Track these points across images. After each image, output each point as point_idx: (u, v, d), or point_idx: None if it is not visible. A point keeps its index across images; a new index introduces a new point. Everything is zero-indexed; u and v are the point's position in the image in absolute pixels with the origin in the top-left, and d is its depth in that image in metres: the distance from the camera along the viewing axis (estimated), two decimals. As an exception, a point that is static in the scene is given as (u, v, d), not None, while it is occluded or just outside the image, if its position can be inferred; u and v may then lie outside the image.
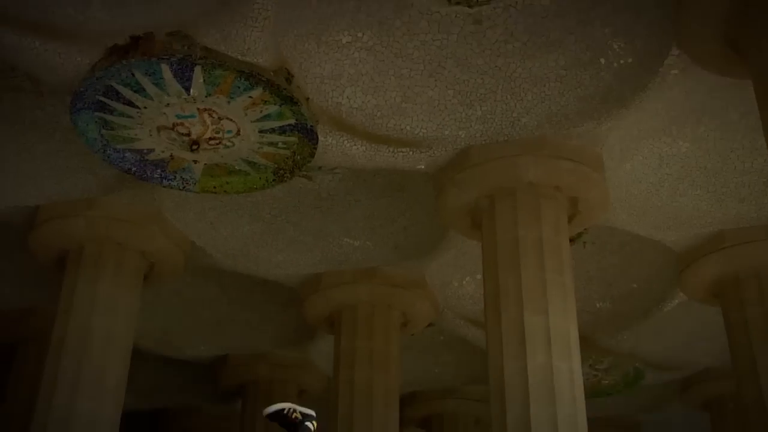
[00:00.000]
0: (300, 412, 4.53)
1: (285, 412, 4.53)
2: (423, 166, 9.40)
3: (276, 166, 9.04)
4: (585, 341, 10.76)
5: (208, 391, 15.52)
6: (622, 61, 8.00)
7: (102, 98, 8.05)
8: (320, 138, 8.60)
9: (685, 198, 9.92)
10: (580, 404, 8.48)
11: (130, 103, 8.16)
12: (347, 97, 8.36)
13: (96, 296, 9.78)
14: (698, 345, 13.34)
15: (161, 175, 9.19)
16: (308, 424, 4.52)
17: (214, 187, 9.39)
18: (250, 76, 7.79)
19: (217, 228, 10.58)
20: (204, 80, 7.86)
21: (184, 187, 9.40)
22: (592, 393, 14.19)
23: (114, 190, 9.89)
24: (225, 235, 10.72)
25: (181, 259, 10.72)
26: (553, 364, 8.38)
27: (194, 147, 8.66)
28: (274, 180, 9.30)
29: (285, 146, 8.73)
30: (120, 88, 7.96)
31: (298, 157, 8.87)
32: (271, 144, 8.73)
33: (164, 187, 9.47)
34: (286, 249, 11.01)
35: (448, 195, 9.40)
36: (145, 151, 8.85)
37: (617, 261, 11.38)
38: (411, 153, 9.13)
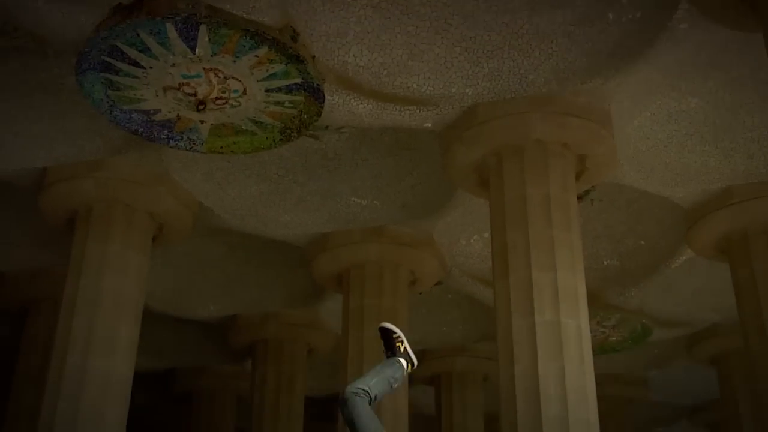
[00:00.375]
0: (405, 348, 4.56)
1: (395, 335, 4.58)
2: (430, 125, 9.36)
3: (283, 125, 9.02)
4: (592, 298, 10.79)
5: (218, 351, 15.68)
6: (630, 16, 7.91)
7: (107, 58, 8.01)
8: (327, 97, 8.56)
9: (693, 154, 9.88)
10: (588, 360, 8.54)
11: (136, 64, 8.13)
12: (353, 55, 8.30)
13: (106, 257, 9.84)
14: (706, 301, 13.38)
15: (168, 135, 9.18)
16: (402, 361, 4.54)
17: (221, 148, 9.39)
18: (256, 34, 7.74)
19: (224, 188, 10.59)
20: (209, 39, 7.81)
21: (191, 148, 9.39)
22: (599, 349, 14.29)
23: (121, 151, 9.90)
24: (232, 195, 10.73)
25: (189, 219, 10.76)
26: (561, 321, 8.42)
27: (200, 107, 8.63)
28: (280, 140, 9.28)
29: (291, 105, 8.70)
30: (125, 48, 7.92)
31: (305, 117, 8.84)
32: (277, 103, 8.71)
33: (171, 147, 9.46)
34: (294, 209, 11.03)
35: (455, 153, 9.38)
36: (151, 111, 8.83)
37: (625, 218, 11.37)
38: (418, 111, 9.10)
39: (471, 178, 9.62)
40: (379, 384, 4.36)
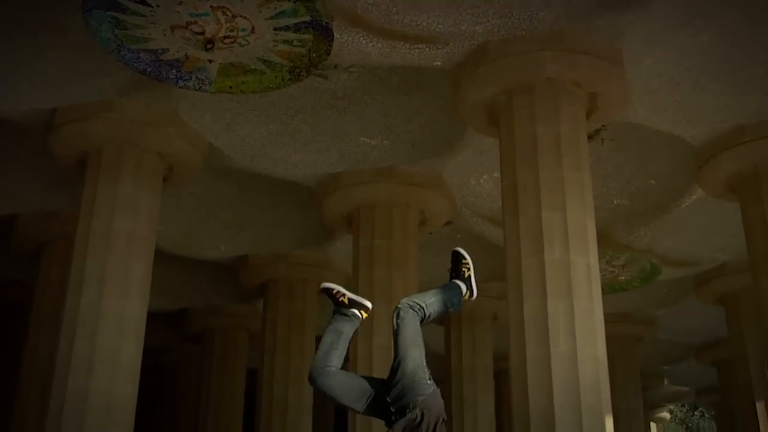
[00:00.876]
0: (349, 298, 4.58)
1: (333, 292, 4.60)
2: (440, 63, 9.27)
3: (291, 64, 8.96)
4: (602, 238, 10.81)
5: (230, 291, 15.84)
6: (644, -50, 7.76)
7: (114, -3, 7.94)
8: (336, 35, 8.48)
9: (706, 92, 9.77)
10: (597, 299, 8.59)
11: (143, 2, 8.03)
12: (362, -8, 8.19)
13: (117, 198, 9.88)
14: (715, 240, 13.40)
15: (176, 75, 9.13)
16: (463, 287, 4.59)
17: (230, 87, 9.34)
18: (263, -29, 7.64)
19: (233, 129, 10.57)
20: (216, -24, 7.72)
21: (199, 88, 9.35)
22: (608, 289, 14.39)
23: (130, 92, 9.86)
24: (242, 135, 10.72)
25: (198, 160, 10.77)
26: (571, 259, 8.46)
27: (209, 46, 8.57)
28: (289, 79, 9.23)
29: (300, 44, 8.62)
30: (132, -14, 7.84)
31: (314, 55, 8.77)
32: (286, 42, 8.63)
33: (180, 87, 9.42)
34: (303, 149, 11.02)
35: (465, 92, 9.31)
36: (159, 51, 8.77)
37: (635, 157, 11.32)
38: (427, 49, 9.00)
39: (481, 117, 9.57)
40: (436, 304, 4.42)
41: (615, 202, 12.25)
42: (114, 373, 9.15)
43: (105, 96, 9.92)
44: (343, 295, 4.55)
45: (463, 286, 4.61)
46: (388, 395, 4.21)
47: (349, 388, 4.32)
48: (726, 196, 11.21)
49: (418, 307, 4.34)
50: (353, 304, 4.52)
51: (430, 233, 12.53)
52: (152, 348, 12.74)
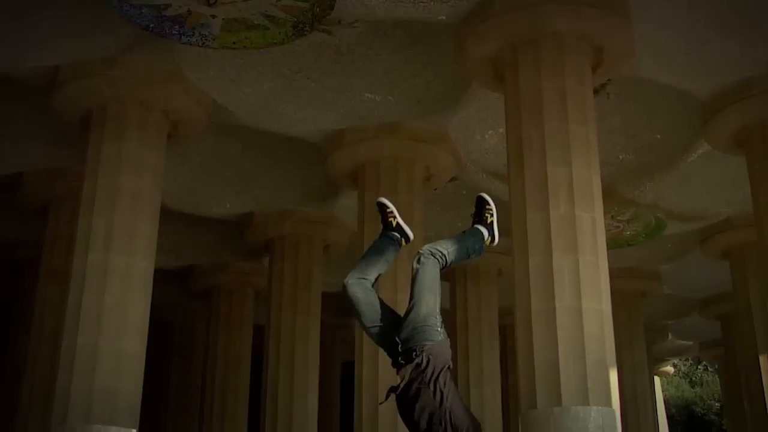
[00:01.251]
0: (397, 222, 4.65)
1: (387, 209, 4.68)
2: (444, 17, 9.19)
3: (295, 19, 8.89)
4: (607, 193, 10.80)
5: (236, 248, 15.90)
6: None
7: (115, -48, 7.87)
8: (339, -11, 8.40)
9: (713, 44, 9.67)
10: (602, 253, 8.62)
11: (144, -43, 7.98)
12: (366, -55, 8.11)
13: (122, 156, 9.89)
14: (720, 194, 13.39)
15: (180, 31, 9.07)
16: (485, 233, 4.64)
17: (234, 43, 9.28)
18: (266, -76, 7.55)
19: (237, 85, 10.52)
20: (218, -70, 7.63)
21: (203, 44, 9.29)
22: (613, 244, 14.40)
23: (133, 48, 9.81)
24: (246, 92, 10.67)
25: (203, 117, 10.75)
26: (576, 214, 8.47)
27: (212, 1, 8.50)
28: (293, 34, 9.16)
29: (303, -1, 8.55)
30: (133, -59, 7.76)
31: (317, 10, 8.69)
32: (289, -3, 8.55)
33: (183, 44, 9.37)
34: (308, 105, 10.98)
35: (469, 46, 9.24)
36: (162, 6, 8.70)
37: (641, 112, 11.26)
38: (432, 4, 8.91)
39: (486, 72, 9.51)
40: (457, 251, 4.47)
41: (620, 157, 12.22)
42: (122, 329, 9.25)
43: (108, 53, 9.87)
44: (394, 217, 4.64)
45: (486, 232, 4.64)
46: (398, 335, 4.26)
47: (371, 308, 4.39)
48: (732, 150, 11.17)
49: (440, 254, 4.37)
50: (399, 229, 4.60)
51: (435, 189, 12.54)
52: (159, 305, 12.83)
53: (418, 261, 4.36)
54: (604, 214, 8.99)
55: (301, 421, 13.36)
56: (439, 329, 4.25)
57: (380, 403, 4.37)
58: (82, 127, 10.48)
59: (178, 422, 18.82)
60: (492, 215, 4.68)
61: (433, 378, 4.10)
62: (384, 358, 9.95)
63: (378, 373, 10.31)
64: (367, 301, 4.42)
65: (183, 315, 19.49)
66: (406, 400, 4.14)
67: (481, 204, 4.74)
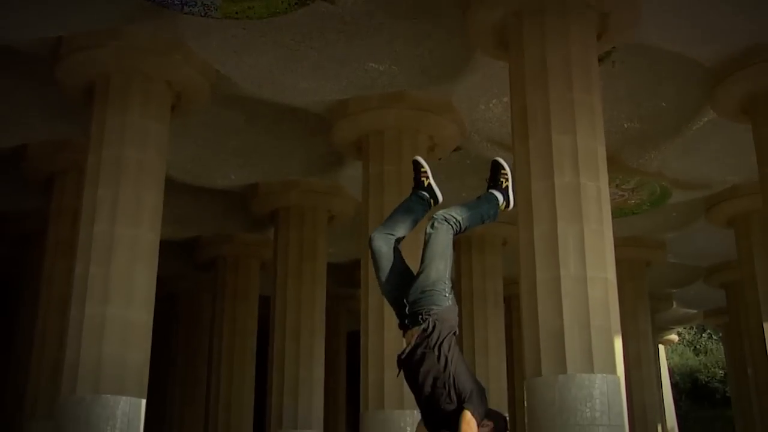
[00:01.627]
0: (429, 183, 4.68)
1: (422, 168, 4.72)
2: (448, -15, 9.13)
3: (298, -11, 8.83)
4: (612, 161, 10.79)
5: (241, 219, 15.94)
6: None
7: None
8: (342, -42, 8.34)
9: (720, 11, 9.57)
10: (607, 222, 8.62)
11: (145, -74, 7.91)
12: None
13: (125, 127, 9.88)
14: (726, 162, 13.35)
15: (182, 1, 9.02)
16: (500, 197, 4.67)
17: (236, 13, 9.22)
18: None
19: (240, 56, 10.48)
20: None
21: (205, 14, 9.24)
22: (618, 212, 14.42)
23: (135, 19, 9.75)
24: (249, 63, 10.63)
25: (206, 88, 10.72)
26: (581, 183, 8.46)
27: (214, -30, 8.45)
28: (296, 4, 9.10)
29: (306, -33, 8.49)
30: None
31: (320, -21, 8.64)
32: (291, -35, 8.49)
33: (186, 14, 9.31)
34: (311, 75, 10.94)
35: (474, 14, 9.18)
36: (163, -24, 8.65)
37: (646, 79, 11.19)
38: (436, -29, 8.86)
39: (490, 40, 9.45)
40: (472, 217, 4.50)
41: (625, 125, 12.18)
42: (129, 299, 9.30)
43: (110, 24, 9.82)
44: (427, 177, 4.66)
45: (500, 197, 4.66)
46: (407, 296, 4.29)
47: (389, 263, 4.44)
48: (738, 117, 11.12)
49: (454, 220, 4.39)
50: (430, 190, 4.64)
51: (440, 159, 12.51)
52: (165, 277, 12.90)
53: (432, 226, 4.38)
54: (609, 183, 8.98)
55: (308, 391, 13.47)
56: (447, 295, 4.27)
57: (397, 376, 4.39)
58: (86, 99, 10.47)
59: (185, 392, 18.98)
60: (507, 179, 4.69)
61: (438, 343, 4.13)
62: (390, 329, 10.00)
63: (384, 342, 10.37)
64: (388, 257, 4.45)
65: (189, 286, 19.59)
66: (411, 364, 4.19)
67: (496, 168, 4.74)
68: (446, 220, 4.39)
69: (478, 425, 4.13)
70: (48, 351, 11.87)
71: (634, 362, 16.37)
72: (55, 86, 10.63)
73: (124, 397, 8.95)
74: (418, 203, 4.63)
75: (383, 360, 10.30)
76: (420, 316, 4.22)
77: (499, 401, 14.92)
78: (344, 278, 18.54)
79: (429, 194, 4.66)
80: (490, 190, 4.70)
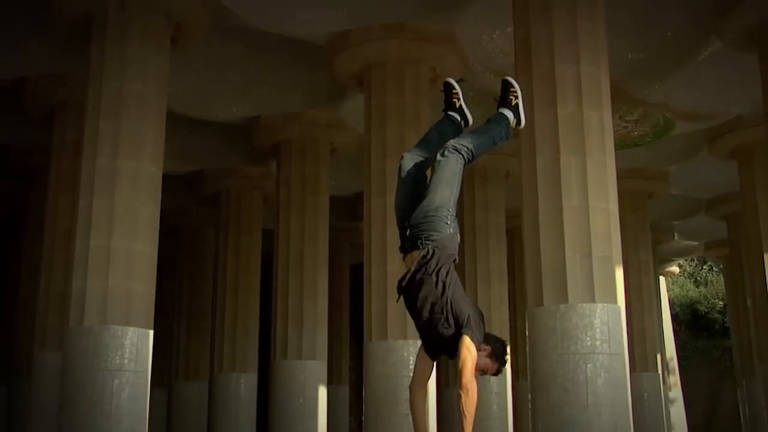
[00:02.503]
0: (517, 104, 4.66)
1: (453, 90, 4.72)
2: None
3: None
4: (616, 93, 10.70)
5: (243, 153, 15.91)
6: None
7: None
8: None
9: (727, -63, 9.43)
10: (610, 153, 8.62)
11: None
12: None
13: (125, 60, 9.78)
14: (731, 93, 13.25)
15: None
16: (511, 116, 4.66)
17: (235, -59, 9.07)
18: None
19: (240, -14, 10.34)
20: None
21: (204, -57, 9.09)
22: (621, 144, 14.39)
23: (133, -52, 9.61)
24: (249, -8, 10.49)
25: (205, 19, 10.59)
26: (584, 113, 8.43)
27: None
28: (296, -68, 8.94)
29: None
30: None
31: None
32: None
33: (183, -57, 9.16)
34: (312, 5, 10.77)
35: (477, -58, 9.03)
36: None
37: (651, 8, 11.04)
38: None
39: (494, -31, 9.31)
40: (484, 143, 4.52)
41: (630, 55, 12.05)
42: (133, 232, 9.36)
43: (107, -47, 9.67)
44: (459, 98, 4.67)
45: (511, 115, 4.64)
46: (409, 220, 4.33)
47: (407, 185, 4.50)
48: (744, 47, 11.00)
49: (465, 149, 4.40)
50: (461, 112, 4.64)
51: (442, 91, 12.42)
52: (168, 210, 12.94)
53: (442, 154, 4.39)
54: (613, 115, 8.94)
55: (312, 323, 13.64)
56: (448, 222, 4.30)
57: (397, 301, 4.45)
58: (84, 31, 10.35)
59: (191, 324, 19.22)
60: (517, 97, 4.68)
61: (436, 269, 4.18)
62: (392, 261, 10.09)
63: (386, 274, 10.46)
64: (409, 174, 4.51)
65: (192, 220, 19.68)
66: (410, 290, 4.24)
67: (506, 87, 4.72)
68: (457, 150, 4.40)
69: (477, 350, 4.20)
70: (54, 283, 12.00)
71: (635, 293, 16.53)
72: (54, 18, 10.51)
73: (131, 328, 9.08)
74: (450, 125, 4.64)
75: (386, 291, 10.40)
76: (419, 241, 4.26)
77: (501, 331, 15.12)
78: (347, 211, 18.60)
79: (460, 116, 4.65)
80: (500, 110, 4.68)
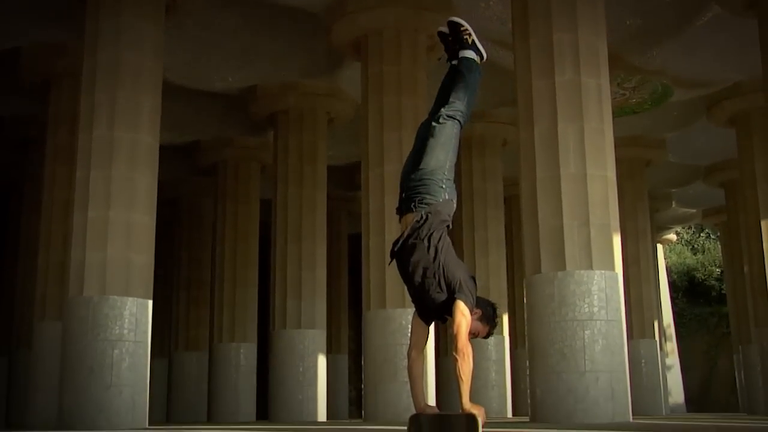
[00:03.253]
0: (473, 40, 4.60)
1: (461, 27, 4.63)
2: None
3: None
4: (614, 60, 10.67)
5: (241, 123, 15.86)
6: None
7: None
8: None
9: None
10: (608, 120, 8.61)
11: None
12: None
13: (120, 30, 9.72)
14: (729, 59, 13.19)
15: None
16: (475, 56, 4.57)
17: None
18: None
19: (235, -46, 10.25)
20: None
21: None
22: (619, 112, 14.35)
23: None
24: (244, -39, 10.40)
25: (201, -13, 10.52)
26: (582, 81, 8.41)
27: None
28: None
29: None
30: None
31: None
32: None
33: None
34: (308, -26, 10.72)
35: None
36: None
37: (650, -26, 10.98)
38: None
39: (491, -65, 9.23)
40: (470, 98, 4.50)
41: (628, 21, 11.98)
42: (131, 203, 9.36)
43: None
44: (471, 34, 4.59)
45: (473, 54, 4.60)
46: (407, 182, 4.33)
47: (419, 143, 4.48)
48: (743, 13, 10.93)
49: (460, 113, 4.39)
50: (474, 47, 4.57)
51: (439, 59, 12.28)
52: (167, 181, 12.96)
53: (437, 121, 4.37)
54: (610, 82, 8.92)
55: (311, 291, 13.68)
56: (443, 186, 4.30)
57: (389, 264, 4.46)
58: (79, 1, 10.27)
59: (190, 295, 19.28)
60: (470, 34, 4.62)
61: (428, 234, 4.18)
62: (390, 230, 10.12)
63: (385, 243, 10.48)
64: (419, 138, 4.50)
65: (190, 191, 19.66)
66: (403, 255, 4.25)
67: (456, 28, 4.66)
68: (452, 117, 4.39)
69: (470, 313, 4.22)
70: (53, 255, 12.02)
71: (633, 260, 16.57)
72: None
73: (130, 298, 9.12)
74: (455, 74, 4.58)
75: (384, 260, 10.42)
76: (413, 203, 4.26)
77: (499, 299, 15.17)
78: (345, 181, 18.59)
79: (474, 51, 4.58)
80: (462, 53, 4.62)
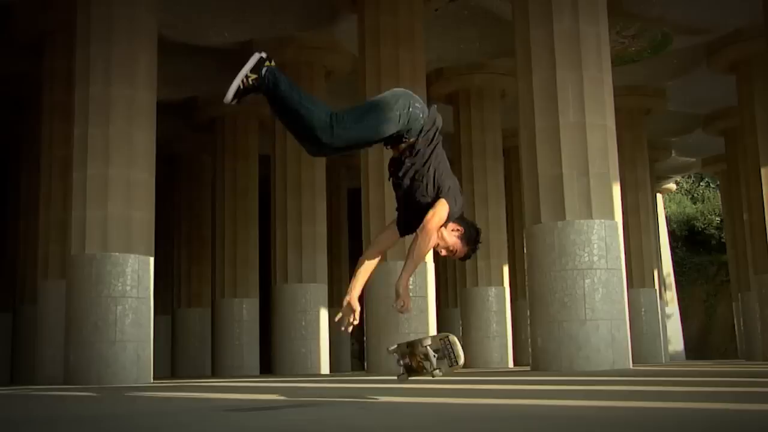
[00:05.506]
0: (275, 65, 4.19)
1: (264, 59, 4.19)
2: None
3: None
4: (613, 7, 10.55)
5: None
6: None
7: None
8: None
9: None
10: (606, 68, 8.56)
11: None
12: None
13: (114, -17, 9.64)
14: (729, 5, 13.04)
15: None
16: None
17: None
18: None
19: None
20: None
21: None
22: (618, 60, 14.23)
23: None
24: None
25: (195, -60, 10.37)
26: (580, 28, 8.35)
27: None
28: None
29: None
30: None
31: None
32: None
33: None
34: (303, -76, 10.57)
35: None
36: None
37: None
38: None
39: None
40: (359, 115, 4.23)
41: (627, -32, 11.86)
42: (130, 159, 9.36)
43: None
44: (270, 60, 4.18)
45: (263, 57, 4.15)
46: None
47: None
48: (743, -43, 10.82)
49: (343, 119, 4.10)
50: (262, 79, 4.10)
51: (436, 10, 12.25)
52: (165, 138, 12.88)
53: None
54: (609, 30, 8.84)
55: (311, 246, 13.73)
56: (408, 115, 4.17)
57: (389, 179, 4.34)
58: (71, -45, 10.16)
59: (192, 252, 19.34)
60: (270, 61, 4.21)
61: (425, 140, 4.12)
62: (390, 185, 10.11)
63: (384, 197, 10.49)
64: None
65: (189, 147, 19.61)
66: (398, 162, 4.20)
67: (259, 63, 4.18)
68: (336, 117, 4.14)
69: (450, 222, 4.16)
70: (53, 212, 12.03)
71: (632, 210, 16.61)
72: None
73: (132, 255, 9.16)
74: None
75: (384, 214, 10.45)
76: (403, 138, 4.14)
77: (499, 250, 15.26)
78: (343, 135, 18.50)
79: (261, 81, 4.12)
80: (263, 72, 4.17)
